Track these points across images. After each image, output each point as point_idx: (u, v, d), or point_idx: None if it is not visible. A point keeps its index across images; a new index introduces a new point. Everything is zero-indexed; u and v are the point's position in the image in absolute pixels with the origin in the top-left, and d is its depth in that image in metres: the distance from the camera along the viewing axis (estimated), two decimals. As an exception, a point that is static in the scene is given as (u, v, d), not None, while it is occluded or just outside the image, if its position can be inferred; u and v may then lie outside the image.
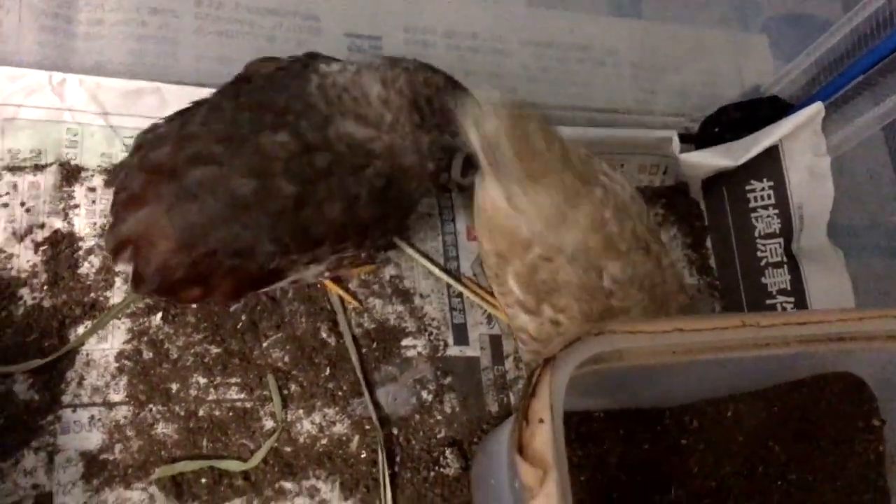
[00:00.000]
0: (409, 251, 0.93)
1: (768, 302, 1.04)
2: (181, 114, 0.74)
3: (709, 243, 1.07)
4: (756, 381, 0.89)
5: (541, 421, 0.64)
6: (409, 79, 0.73)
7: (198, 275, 0.70)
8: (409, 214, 0.84)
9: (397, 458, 0.85)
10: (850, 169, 1.09)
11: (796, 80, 1.02)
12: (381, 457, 0.83)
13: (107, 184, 0.75)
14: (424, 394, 0.89)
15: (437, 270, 0.93)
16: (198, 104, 0.74)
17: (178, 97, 0.87)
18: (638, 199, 0.78)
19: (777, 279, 1.04)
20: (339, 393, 0.86)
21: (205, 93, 0.87)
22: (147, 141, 0.73)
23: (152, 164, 0.71)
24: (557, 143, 0.73)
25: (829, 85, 1.00)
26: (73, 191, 0.86)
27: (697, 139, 1.10)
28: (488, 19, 1.10)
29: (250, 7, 0.99)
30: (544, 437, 0.63)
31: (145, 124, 0.86)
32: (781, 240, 1.05)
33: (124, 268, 0.73)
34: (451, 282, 0.93)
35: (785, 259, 1.04)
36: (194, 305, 0.84)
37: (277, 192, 0.69)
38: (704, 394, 0.89)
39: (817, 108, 1.00)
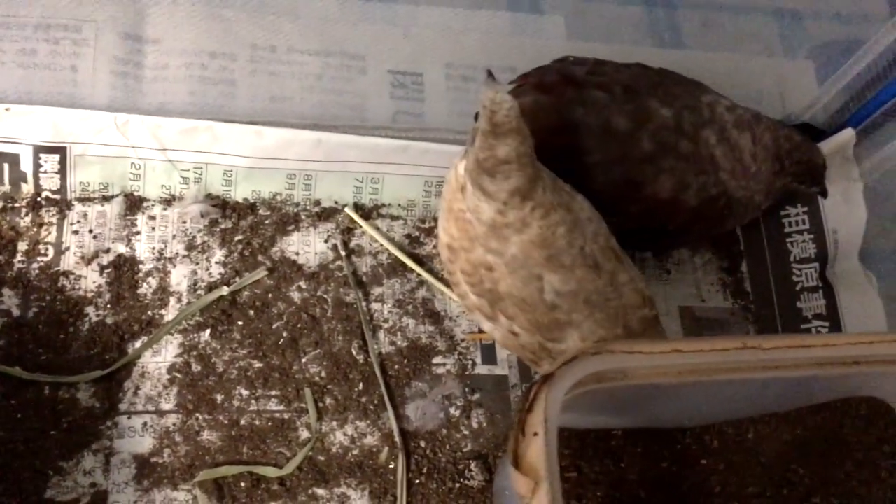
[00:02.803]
0: (423, 273, 0.99)
1: (804, 326, 1.05)
2: (597, 61, 0.91)
3: (744, 267, 1.09)
4: (778, 403, 0.90)
5: (535, 434, 0.68)
6: (773, 135, 0.89)
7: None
8: (713, 232, 1.01)
9: (424, 470, 0.90)
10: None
11: (828, 107, 1.03)
12: (399, 468, 0.89)
13: (520, 77, 0.91)
14: (452, 409, 0.94)
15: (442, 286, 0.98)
16: (606, 62, 0.91)
17: (229, 134, 0.96)
18: (596, 221, 0.80)
19: (812, 304, 1.05)
20: (371, 407, 0.92)
21: (252, 129, 0.97)
22: (569, 61, 0.91)
23: (568, 73, 0.88)
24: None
25: (860, 111, 1.00)
26: (136, 219, 0.96)
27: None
28: (528, 53, 1.15)
29: (300, 49, 1.08)
30: (538, 449, 0.67)
31: (200, 158, 0.97)
32: (817, 264, 1.06)
33: None
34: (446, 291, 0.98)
35: (820, 284, 1.05)
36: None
37: (637, 145, 0.85)
38: (726, 414, 0.91)
39: (848, 134, 1.01)
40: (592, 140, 0.86)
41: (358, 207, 1.01)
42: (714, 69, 1.18)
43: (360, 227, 1.00)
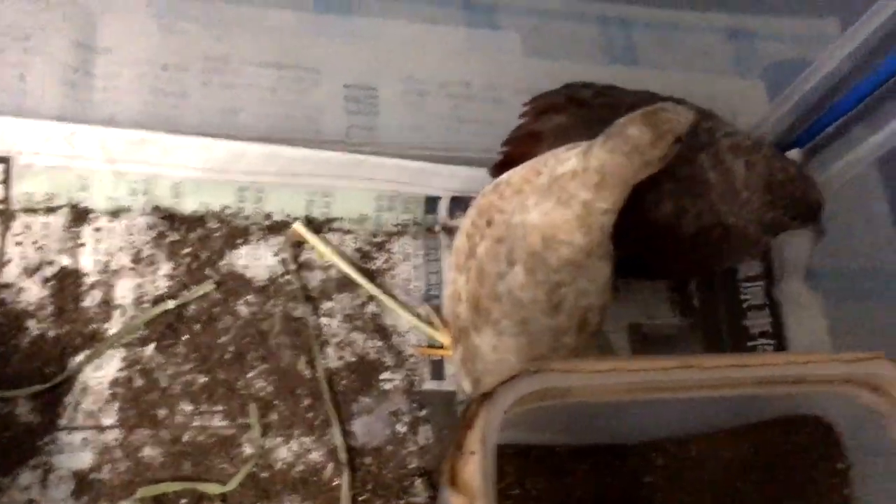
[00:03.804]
0: (372, 288, 0.98)
1: (750, 344, 1.05)
2: (605, 86, 0.94)
3: (693, 285, 1.09)
4: (723, 420, 0.91)
5: (472, 453, 0.68)
6: (768, 165, 0.86)
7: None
8: (712, 264, 0.98)
9: (369, 486, 0.90)
10: (846, 213, 1.10)
11: (776, 126, 1.05)
12: (344, 484, 0.88)
13: (528, 102, 0.96)
14: (399, 426, 0.93)
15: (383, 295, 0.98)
16: (614, 87, 0.94)
17: (178, 146, 0.95)
18: (594, 291, 0.80)
19: (758, 322, 1.06)
20: (317, 423, 0.91)
21: (202, 142, 0.96)
22: (576, 85, 0.95)
23: (577, 98, 0.92)
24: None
25: (807, 131, 1.02)
26: (81, 231, 0.95)
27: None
28: (483, 69, 1.16)
29: (254, 61, 1.08)
30: (474, 468, 0.67)
31: (149, 170, 0.96)
32: (763, 283, 1.07)
33: None
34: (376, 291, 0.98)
35: (767, 302, 1.06)
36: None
37: None
38: (671, 431, 0.91)
39: (795, 154, 1.02)
40: None
41: (309, 221, 1.01)
42: (667, 87, 1.19)
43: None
